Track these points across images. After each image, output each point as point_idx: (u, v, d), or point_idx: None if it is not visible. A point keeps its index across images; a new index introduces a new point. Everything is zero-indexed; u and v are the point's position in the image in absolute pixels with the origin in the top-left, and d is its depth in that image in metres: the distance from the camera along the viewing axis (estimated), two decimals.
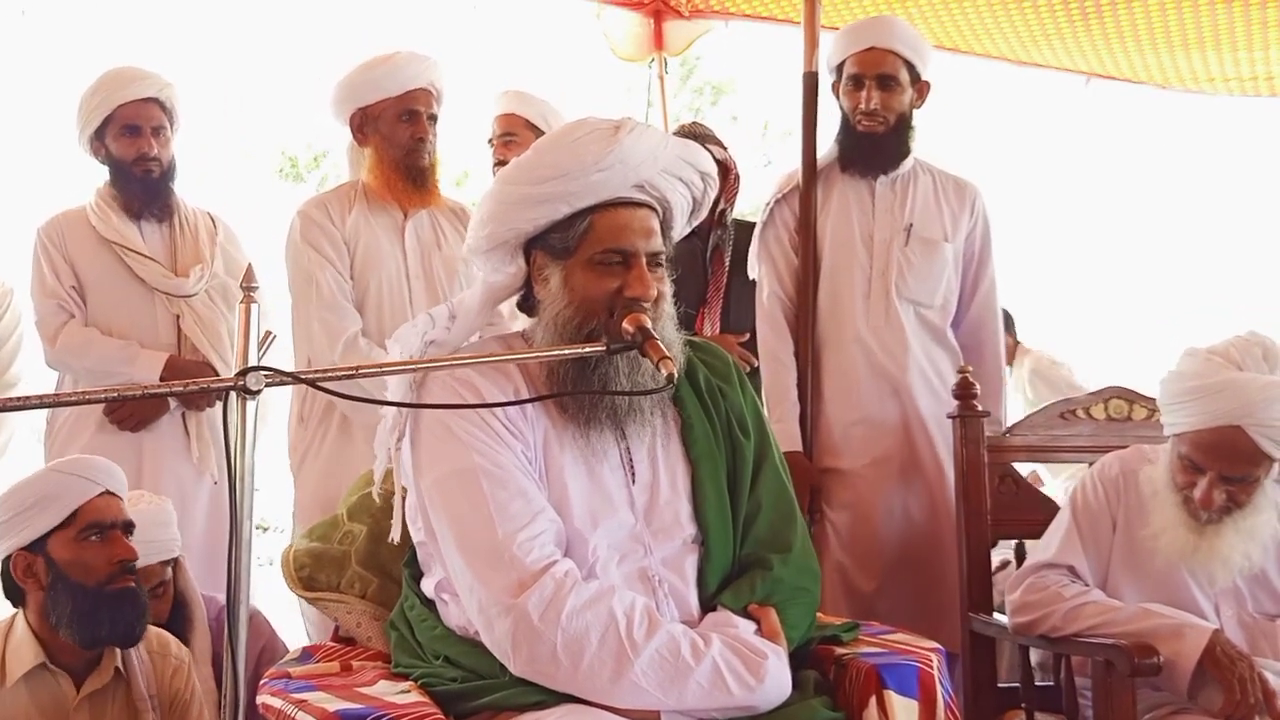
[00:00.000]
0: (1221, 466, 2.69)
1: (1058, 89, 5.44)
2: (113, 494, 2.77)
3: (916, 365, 3.63)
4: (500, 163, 4.43)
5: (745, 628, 2.13)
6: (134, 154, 3.81)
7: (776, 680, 2.08)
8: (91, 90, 3.81)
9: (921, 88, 3.69)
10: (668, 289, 2.25)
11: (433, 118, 3.73)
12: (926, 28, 4.84)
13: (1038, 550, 2.96)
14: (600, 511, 2.20)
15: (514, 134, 4.41)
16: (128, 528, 2.77)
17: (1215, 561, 2.72)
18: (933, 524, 3.58)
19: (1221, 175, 8.43)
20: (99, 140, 3.84)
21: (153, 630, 2.87)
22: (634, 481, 2.25)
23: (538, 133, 4.38)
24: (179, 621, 3.10)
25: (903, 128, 3.67)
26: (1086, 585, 2.83)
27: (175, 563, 3.16)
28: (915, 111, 3.71)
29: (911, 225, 3.66)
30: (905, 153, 3.70)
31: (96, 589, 2.67)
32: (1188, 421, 2.71)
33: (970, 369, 3.33)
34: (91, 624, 2.65)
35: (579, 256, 2.20)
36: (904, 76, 3.63)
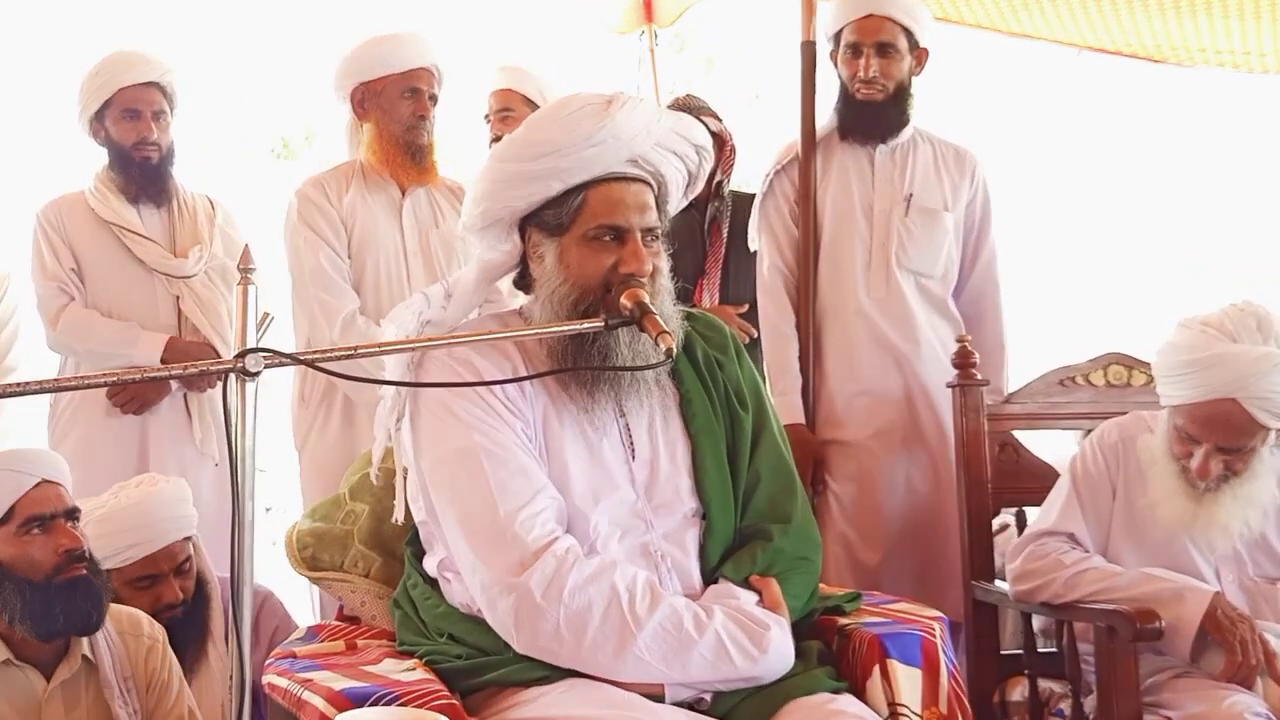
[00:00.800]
0: (1217, 438, 2.70)
1: (1049, 61, 5.42)
2: (51, 482, 2.68)
3: (918, 336, 3.63)
4: (497, 138, 4.42)
5: (747, 599, 2.14)
6: (134, 138, 3.80)
7: (779, 651, 2.09)
8: (93, 72, 3.80)
9: (920, 55, 3.67)
10: (664, 263, 2.25)
11: (433, 98, 3.74)
12: None
13: (1038, 518, 2.98)
14: (601, 488, 2.21)
15: (511, 109, 4.40)
16: (71, 514, 2.69)
17: (1214, 529, 2.73)
18: (936, 494, 3.58)
19: (1212, 148, 8.42)
20: (99, 122, 3.83)
21: (123, 610, 2.82)
22: (634, 457, 2.25)
23: (534, 108, 4.37)
24: (200, 600, 3.11)
25: (902, 96, 3.66)
26: (1087, 552, 2.83)
27: (195, 547, 3.16)
28: (914, 79, 3.69)
29: (911, 195, 3.65)
30: (904, 121, 3.69)
31: (45, 582, 2.60)
32: (1182, 394, 2.71)
33: (969, 338, 3.33)
34: (45, 618, 2.58)
35: (573, 233, 2.19)
36: (902, 44, 3.61)
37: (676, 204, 2.36)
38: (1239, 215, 8.51)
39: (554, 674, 2.04)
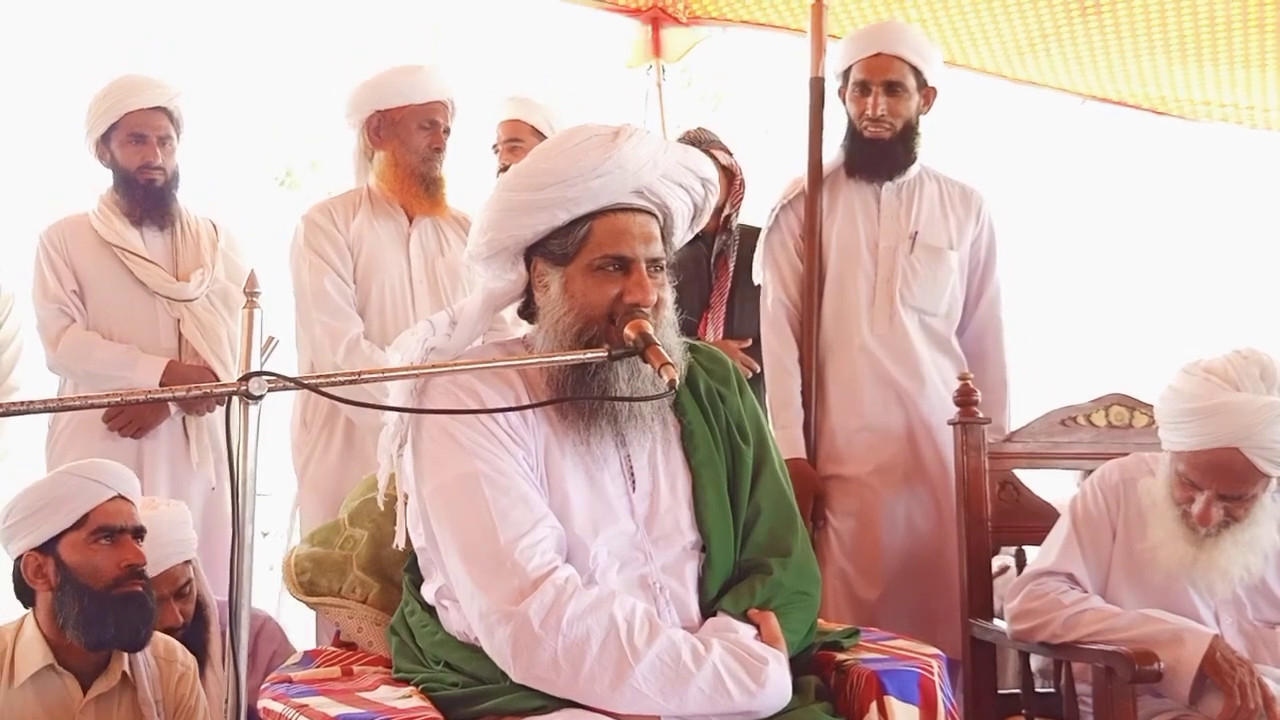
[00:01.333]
0: (1219, 486, 2.69)
1: (1053, 109, 5.45)
2: (125, 499, 2.78)
3: (921, 372, 3.63)
4: (504, 168, 4.44)
5: (745, 632, 2.14)
6: (139, 162, 3.82)
7: (777, 685, 2.08)
8: (101, 94, 3.81)
9: (928, 93, 3.69)
10: (668, 295, 2.25)
11: (447, 130, 3.77)
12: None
13: (1038, 558, 2.97)
14: (601, 519, 2.20)
15: (519, 140, 4.42)
16: (138, 533, 2.79)
17: (1215, 573, 2.73)
18: (936, 532, 3.57)
19: (1213, 199, 8.49)
20: (105, 145, 3.84)
21: (160, 636, 2.88)
22: (634, 489, 2.25)
23: (542, 139, 4.39)
24: (199, 623, 3.11)
25: (909, 134, 3.67)
26: (1086, 592, 2.83)
27: (195, 570, 3.16)
28: (922, 117, 3.71)
29: (917, 233, 3.66)
30: (911, 159, 3.70)
31: (104, 592, 2.68)
32: (1184, 442, 2.71)
33: (971, 376, 3.33)
34: (97, 626, 2.66)
35: (578, 263, 2.20)
36: (911, 83, 3.63)
37: (682, 236, 2.36)
38: (1239, 265, 8.57)
39: (550, 704, 2.03)
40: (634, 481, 2.26)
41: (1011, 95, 5.37)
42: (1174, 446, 2.75)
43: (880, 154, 3.67)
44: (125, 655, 2.75)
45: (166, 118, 3.84)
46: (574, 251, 2.20)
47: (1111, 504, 2.90)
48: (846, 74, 3.69)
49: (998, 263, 3.78)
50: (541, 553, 2.08)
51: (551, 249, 2.22)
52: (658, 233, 2.24)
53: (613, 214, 2.20)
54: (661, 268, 2.23)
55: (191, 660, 2.90)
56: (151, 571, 3.00)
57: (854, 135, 3.71)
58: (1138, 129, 5.61)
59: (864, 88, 3.64)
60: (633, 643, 2.01)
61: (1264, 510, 2.73)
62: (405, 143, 3.71)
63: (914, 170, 3.72)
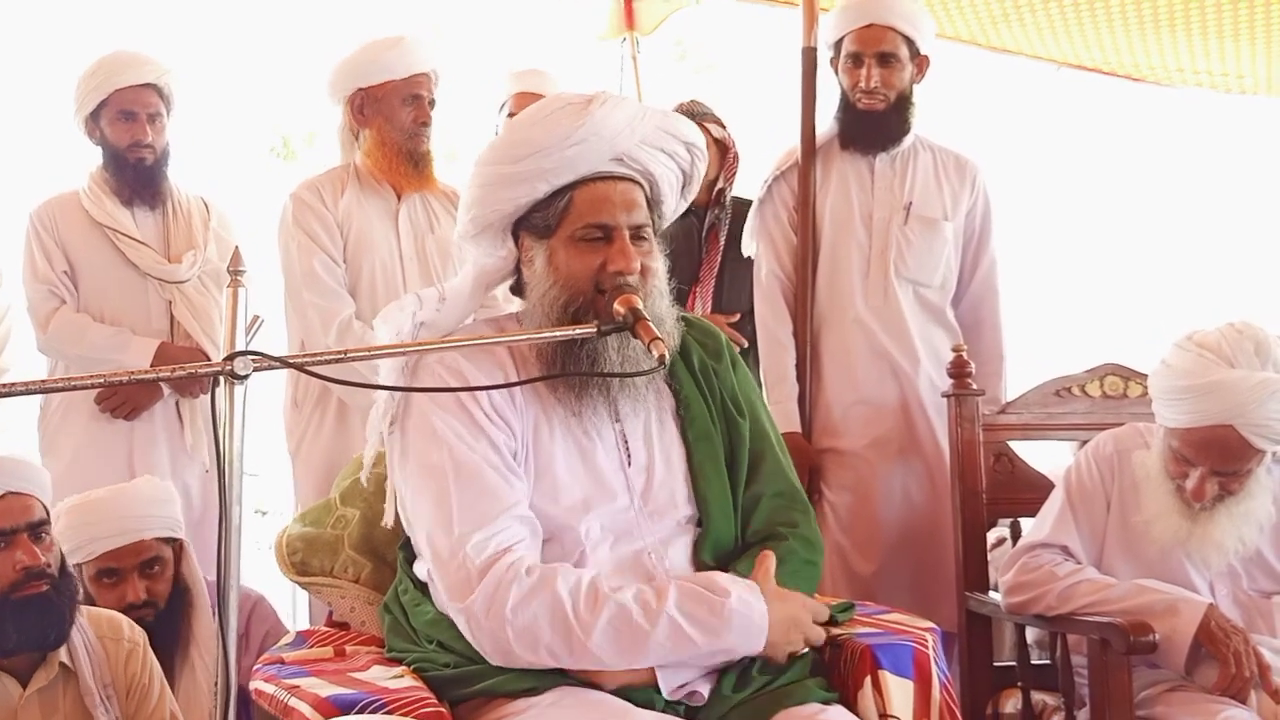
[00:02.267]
0: (1213, 462, 2.68)
1: (1029, 76, 5.44)
2: (19, 494, 2.64)
3: (916, 345, 3.61)
4: None
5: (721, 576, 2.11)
6: (128, 140, 3.78)
7: (745, 618, 2.04)
8: (89, 72, 3.78)
9: (921, 62, 3.66)
10: (658, 263, 2.22)
11: (433, 102, 3.72)
12: None
13: (1032, 529, 2.96)
14: (594, 495, 2.19)
15: None
16: (35, 529, 2.65)
17: (1209, 547, 2.72)
18: (932, 505, 3.57)
19: (1191, 163, 8.50)
20: (94, 123, 3.81)
21: (103, 614, 2.81)
22: (630, 464, 2.24)
23: None
24: (179, 606, 3.09)
25: (903, 104, 3.65)
26: (1080, 564, 2.82)
27: (179, 546, 3.14)
28: (915, 87, 3.67)
29: (911, 203, 3.64)
30: (905, 130, 3.67)
31: (0, 599, 2.57)
32: (1178, 418, 2.69)
33: (965, 347, 3.32)
34: None
35: (561, 234, 2.18)
36: (904, 53, 3.60)
37: (673, 204, 2.33)
38: (1220, 229, 8.59)
39: (542, 684, 2.02)
40: (629, 456, 2.24)
41: (987, 63, 5.38)
42: (1168, 423, 2.73)
43: (874, 126, 3.64)
44: (62, 646, 2.66)
45: (156, 94, 3.80)
46: (556, 223, 2.18)
47: (1106, 475, 2.88)
48: (838, 45, 3.66)
49: (993, 233, 3.76)
50: (496, 544, 2.05)
51: (534, 222, 2.20)
52: (642, 200, 2.21)
53: (593, 183, 2.17)
54: (646, 236, 2.21)
55: (140, 634, 2.81)
56: (113, 543, 2.99)
57: (847, 107, 3.68)
58: (1113, 95, 5.61)
59: (857, 59, 3.61)
60: (580, 617, 1.99)
61: (1258, 483, 2.72)
62: (390, 119, 3.66)
63: (908, 140, 3.70)
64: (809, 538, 2.30)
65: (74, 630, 2.68)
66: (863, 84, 3.59)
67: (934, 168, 3.71)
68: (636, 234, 2.19)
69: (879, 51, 3.58)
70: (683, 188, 2.33)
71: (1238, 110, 5.71)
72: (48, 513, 2.73)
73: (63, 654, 2.66)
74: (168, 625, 3.03)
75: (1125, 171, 8.79)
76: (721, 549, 2.24)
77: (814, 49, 3.81)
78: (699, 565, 2.22)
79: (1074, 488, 2.90)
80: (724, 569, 2.18)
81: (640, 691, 2.04)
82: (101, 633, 2.75)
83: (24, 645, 2.60)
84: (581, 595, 2.02)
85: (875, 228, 3.64)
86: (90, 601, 3.01)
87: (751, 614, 2.05)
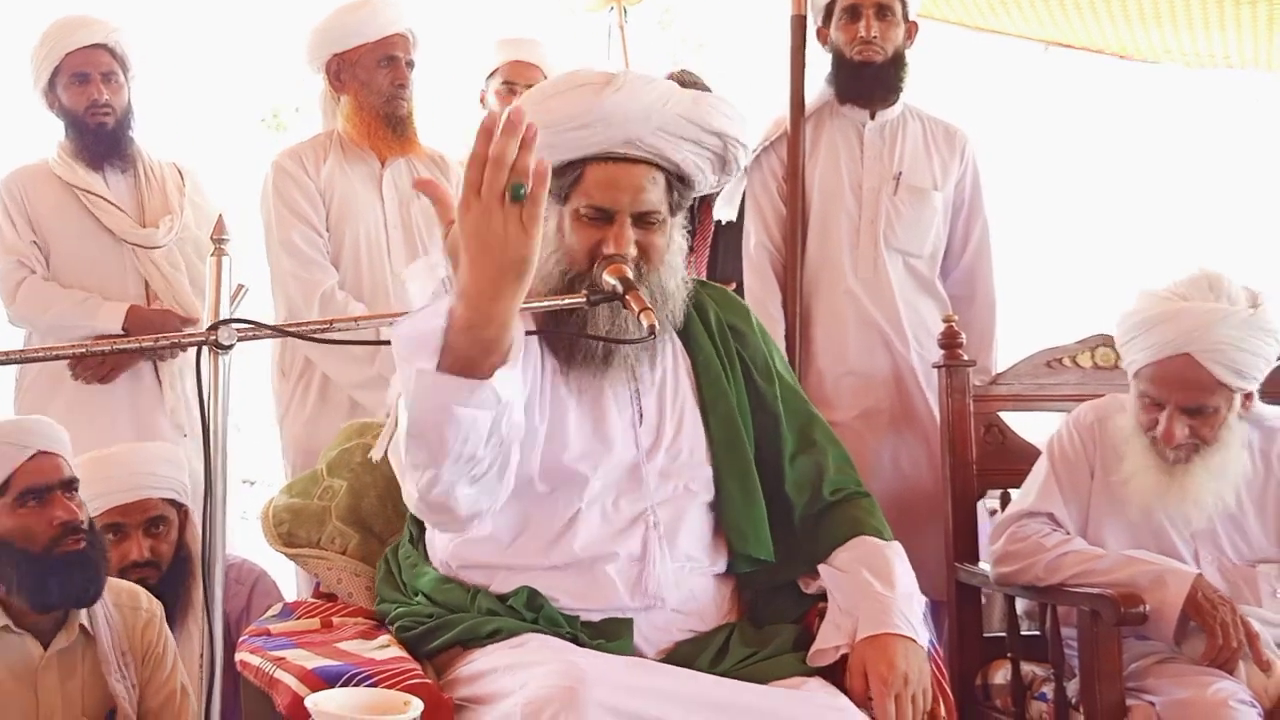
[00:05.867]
0: (1178, 398, 2.70)
1: (1017, 56, 5.43)
2: (49, 453, 2.69)
3: (905, 316, 3.60)
4: None
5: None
6: (85, 102, 3.70)
7: None
8: (39, 42, 3.71)
9: (910, 27, 3.64)
10: (667, 243, 2.20)
11: (410, 64, 3.67)
12: None
13: (1018, 499, 2.96)
14: (597, 450, 2.18)
15: (528, 84, 4.31)
16: (68, 486, 2.70)
17: (1187, 502, 2.73)
18: (922, 476, 3.55)
19: (1180, 139, 8.52)
20: (52, 92, 3.73)
21: (123, 584, 2.83)
22: (641, 423, 2.23)
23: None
24: (180, 572, 3.08)
25: (899, 62, 3.62)
26: (1068, 534, 2.82)
27: (184, 514, 3.13)
28: (906, 53, 3.65)
29: (901, 173, 3.62)
30: (900, 87, 3.64)
31: (42, 555, 2.61)
32: (1141, 356, 2.73)
33: (955, 318, 3.30)
34: (40, 590, 2.60)
35: (570, 205, 2.18)
36: (898, 9, 3.59)
37: (708, 182, 2.27)
38: (1209, 203, 8.62)
39: (505, 629, 2.05)
40: (641, 415, 2.23)
41: (975, 44, 5.37)
42: (1133, 365, 2.77)
43: (872, 77, 3.61)
44: (83, 610, 2.69)
45: (108, 54, 3.72)
46: (567, 193, 2.18)
47: (1088, 443, 2.89)
48: (830, 7, 3.63)
49: (984, 202, 3.74)
50: None
51: (552, 186, 2.19)
52: (656, 184, 2.18)
53: (605, 162, 2.16)
54: (654, 222, 2.17)
55: (157, 606, 2.85)
56: (120, 499, 3.01)
57: (842, 64, 3.64)
58: (1101, 73, 5.60)
59: (854, 12, 3.58)
60: None
61: (1230, 432, 2.73)
62: (367, 84, 3.62)
63: (897, 109, 3.68)
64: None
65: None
66: (862, 33, 3.56)
67: (924, 137, 3.69)
68: (642, 218, 2.17)
69: (877, 3, 3.56)
70: (722, 170, 2.28)
71: (1225, 86, 5.70)
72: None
73: (83, 617, 2.69)
74: (169, 588, 3.04)
75: (1114, 149, 8.80)
76: (742, 511, 2.22)
77: (804, 17, 3.77)
78: (721, 527, 2.23)
79: (1057, 456, 2.91)
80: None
81: (613, 643, 2.07)
82: (120, 601, 2.78)
83: (65, 601, 2.64)
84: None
85: (865, 197, 3.63)
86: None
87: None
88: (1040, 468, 2.93)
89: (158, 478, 3.06)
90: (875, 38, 3.56)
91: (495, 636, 2.05)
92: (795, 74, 3.73)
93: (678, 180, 2.21)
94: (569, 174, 2.16)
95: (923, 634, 2.10)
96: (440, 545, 2.22)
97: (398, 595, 2.26)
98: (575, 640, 2.06)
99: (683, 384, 2.29)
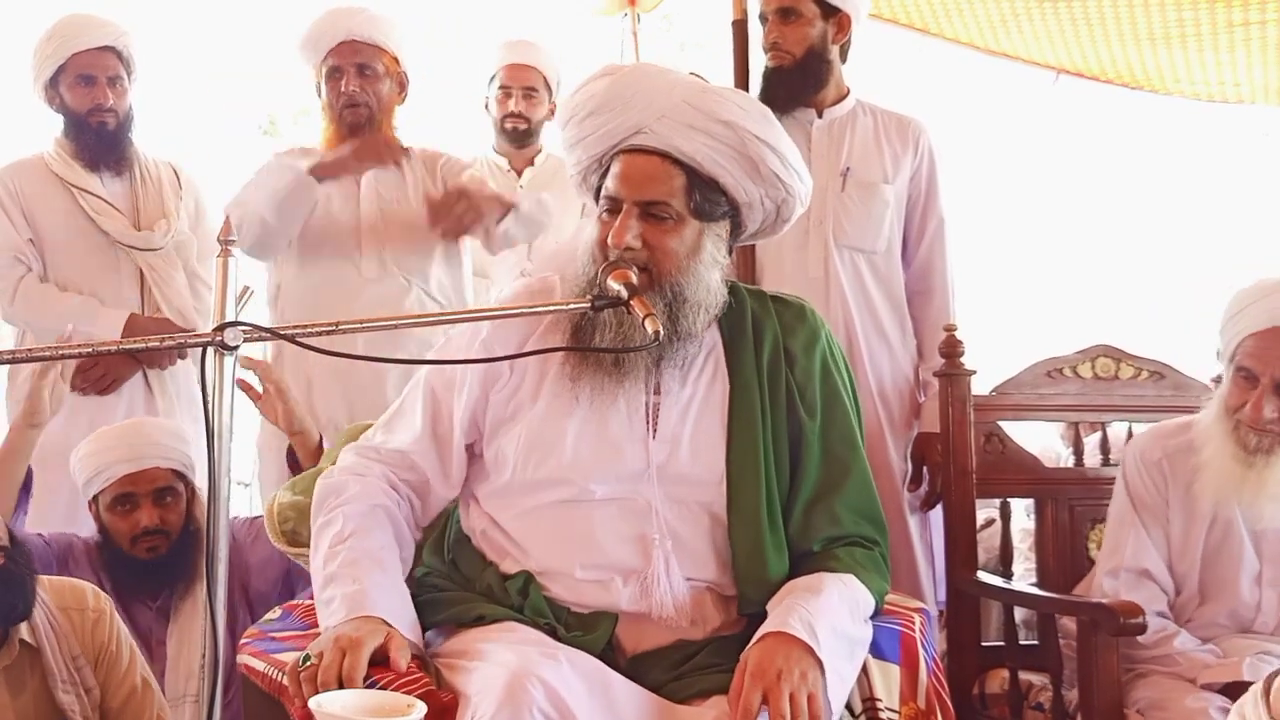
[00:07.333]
0: (1275, 367, 2.64)
1: (1026, 82, 5.43)
2: None
3: (857, 315, 3.51)
4: (513, 115, 4.35)
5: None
6: (89, 104, 3.70)
7: None
8: (45, 37, 3.69)
9: (841, 20, 3.52)
10: (685, 246, 2.17)
11: (367, 71, 3.61)
12: (900, 4, 4.87)
13: (1107, 551, 2.89)
14: (598, 459, 2.17)
15: (533, 88, 4.32)
16: None
17: (1263, 497, 2.67)
18: (885, 474, 3.41)
19: (1186, 168, 8.54)
20: (53, 89, 3.72)
21: (65, 584, 2.79)
22: (654, 436, 2.20)
23: (548, 86, 4.36)
24: (188, 543, 3.11)
25: (814, 62, 3.52)
26: (1164, 625, 2.75)
27: (191, 489, 3.15)
28: (836, 46, 3.55)
29: (849, 169, 3.54)
30: (817, 86, 3.55)
31: None
32: (1248, 325, 2.67)
33: (955, 326, 3.26)
34: None
35: (600, 202, 2.22)
36: (808, 9, 3.47)
37: (736, 181, 2.21)
38: (1215, 233, 8.64)
39: (489, 615, 2.09)
40: (655, 429, 2.20)
41: (985, 68, 5.38)
42: (1237, 338, 2.70)
43: (779, 83, 3.52)
44: (23, 624, 2.64)
45: (115, 57, 3.71)
46: (597, 191, 2.24)
47: (1159, 482, 2.83)
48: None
49: (940, 196, 3.63)
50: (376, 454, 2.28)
51: (591, 184, 2.28)
52: (671, 177, 2.16)
53: (625, 154, 2.19)
54: (662, 216, 2.16)
55: (106, 602, 2.80)
56: (129, 467, 3.06)
57: (765, 69, 3.59)
58: (1111, 103, 5.61)
59: (763, 19, 3.55)
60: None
61: None
62: (330, 92, 3.62)
63: (848, 104, 3.59)
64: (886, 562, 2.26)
65: (35, 607, 2.65)
66: (763, 42, 3.54)
67: (874, 130, 3.59)
68: (648, 211, 2.16)
69: (778, 7, 3.49)
70: (757, 175, 2.22)
71: (1233, 118, 5.72)
72: None
73: (24, 631, 2.63)
74: (178, 557, 3.07)
75: (1122, 178, 8.81)
76: (751, 540, 2.17)
77: (744, 21, 3.74)
78: (723, 553, 2.18)
79: (1137, 501, 2.84)
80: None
81: (590, 635, 2.08)
82: (65, 603, 2.73)
83: None
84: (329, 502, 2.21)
85: (813, 197, 3.57)
86: (105, 533, 3.08)
87: None
88: (1124, 518, 2.86)
89: (164, 447, 3.09)
90: (777, 42, 3.50)
91: (480, 622, 2.09)
92: (738, 78, 3.72)
93: (701, 182, 2.18)
94: (601, 169, 2.22)
95: (826, 643, 1.98)
96: (477, 512, 2.26)
97: (435, 559, 2.35)
98: (553, 632, 2.07)
99: (714, 406, 2.23)
